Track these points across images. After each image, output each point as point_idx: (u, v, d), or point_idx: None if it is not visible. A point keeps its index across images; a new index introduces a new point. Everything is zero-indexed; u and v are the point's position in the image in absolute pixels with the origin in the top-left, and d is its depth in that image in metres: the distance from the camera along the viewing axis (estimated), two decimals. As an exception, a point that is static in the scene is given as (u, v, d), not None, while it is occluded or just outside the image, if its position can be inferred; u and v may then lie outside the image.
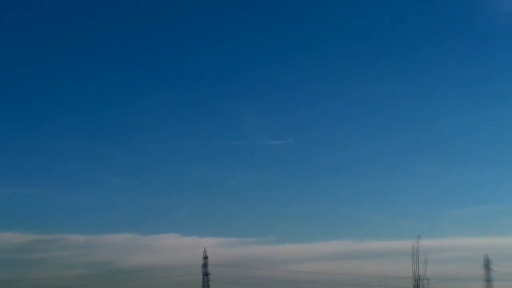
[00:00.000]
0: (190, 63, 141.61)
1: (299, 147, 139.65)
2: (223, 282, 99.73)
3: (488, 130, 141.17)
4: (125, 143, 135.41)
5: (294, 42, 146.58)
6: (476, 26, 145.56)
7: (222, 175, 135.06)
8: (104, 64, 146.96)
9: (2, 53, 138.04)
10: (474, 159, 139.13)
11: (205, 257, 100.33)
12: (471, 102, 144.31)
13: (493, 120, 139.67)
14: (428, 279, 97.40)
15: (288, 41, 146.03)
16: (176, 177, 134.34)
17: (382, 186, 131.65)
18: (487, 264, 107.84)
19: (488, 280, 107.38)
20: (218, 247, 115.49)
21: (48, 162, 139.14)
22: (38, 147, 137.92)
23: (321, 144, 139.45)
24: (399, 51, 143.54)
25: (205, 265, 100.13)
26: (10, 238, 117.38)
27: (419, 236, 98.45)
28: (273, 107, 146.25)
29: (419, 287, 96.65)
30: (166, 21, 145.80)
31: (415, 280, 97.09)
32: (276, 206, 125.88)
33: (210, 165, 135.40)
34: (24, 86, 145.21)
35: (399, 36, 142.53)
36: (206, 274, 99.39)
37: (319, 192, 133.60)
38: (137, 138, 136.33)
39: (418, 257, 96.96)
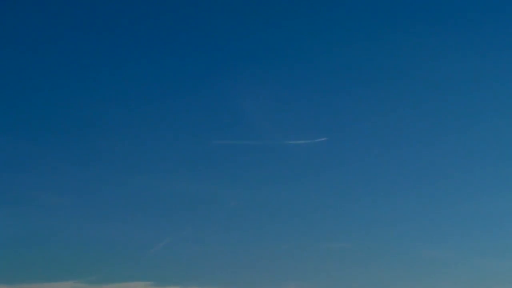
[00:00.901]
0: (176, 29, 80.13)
1: (334, 148, 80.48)
2: None
3: None
4: (71, 143, 57.54)
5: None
6: None
7: (219, 192, 72.04)
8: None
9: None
10: None
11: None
12: None
13: None
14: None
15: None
16: (151, 195, 64.93)
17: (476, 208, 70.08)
18: None
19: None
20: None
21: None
22: None
23: (366, 143, 78.06)
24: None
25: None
26: None
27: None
28: (294, 95, 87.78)
29: None
30: None
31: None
32: (301, 240, 66.53)
33: (201, 177, 71.21)
34: None
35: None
36: None
37: (371, 216, 73.32)
38: (89, 136, 59.20)
39: None
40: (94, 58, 44.40)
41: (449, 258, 34.15)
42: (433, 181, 36.00)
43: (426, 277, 32.47)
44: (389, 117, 41.95)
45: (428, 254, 33.37)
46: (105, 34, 46.05)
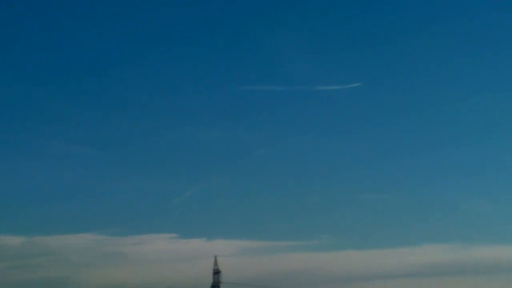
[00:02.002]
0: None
1: (369, 94, 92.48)
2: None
3: None
4: (96, 92, 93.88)
5: None
6: None
7: (247, 141, 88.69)
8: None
9: None
10: None
11: (216, 272, 69.19)
12: None
13: None
14: None
15: None
16: (175, 145, 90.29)
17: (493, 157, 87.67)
18: None
19: None
20: (237, 255, 75.81)
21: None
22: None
23: (401, 89, 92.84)
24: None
25: (216, 286, 68.33)
26: None
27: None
28: (324, 39, 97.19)
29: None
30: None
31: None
32: (330, 191, 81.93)
33: (228, 125, 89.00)
34: None
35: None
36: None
37: (398, 169, 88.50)
38: (113, 85, 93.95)
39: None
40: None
41: (488, 211, 52.34)
42: (473, 137, 67.88)
43: (463, 230, 49.49)
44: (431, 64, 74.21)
45: (466, 207, 51.46)
46: None
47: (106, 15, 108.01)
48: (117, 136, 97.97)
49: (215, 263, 70.57)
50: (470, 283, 70.64)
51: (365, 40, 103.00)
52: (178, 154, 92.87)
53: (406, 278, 74.80)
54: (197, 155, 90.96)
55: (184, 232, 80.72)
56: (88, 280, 75.86)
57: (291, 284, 70.73)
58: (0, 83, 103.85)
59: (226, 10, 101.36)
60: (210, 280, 70.25)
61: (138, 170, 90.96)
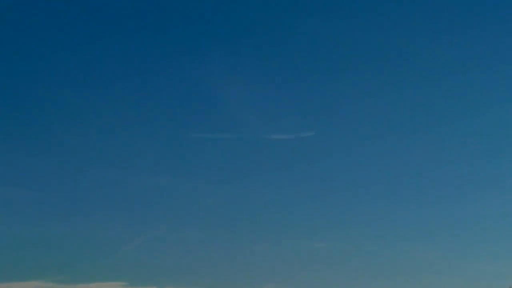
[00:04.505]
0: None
1: (322, 142, 53.50)
2: None
3: None
4: (31, 132, 39.83)
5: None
6: None
7: (197, 188, 47.15)
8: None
9: None
10: None
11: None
12: None
13: None
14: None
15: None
16: (124, 191, 37.59)
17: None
18: None
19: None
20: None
21: None
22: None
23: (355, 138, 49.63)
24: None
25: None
26: None
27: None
28: (276, 82, 56.68)
29: None
30: None
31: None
32: (282, 239, 39.36)
33: (178, 172, 43.46)
34: None
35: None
36: None
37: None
38: (53, 125, 39.25)
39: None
40: (56, 45, 38.46)
41: (435, 258, 33.30)
42: (424, 180, 35.30)
43: (410, 277, 31.80)
44: (378, 107, 38.34)
45: (414, 254, 32.54)
46: (71, 24, 38.85)
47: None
48: (60, 177, 66.08)
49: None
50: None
51: (316, 87, 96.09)
52: (128, 199, 70.90)
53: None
54: (147, 201, 58.80)
55: (134, 280, 59.84)
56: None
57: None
58: None
59: (175, 53, 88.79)
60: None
61: (86, 214, 67.17)
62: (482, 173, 36.03)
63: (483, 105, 37.15)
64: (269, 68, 38.84)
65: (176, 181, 37.99)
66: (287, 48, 38.66)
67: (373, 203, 34.59)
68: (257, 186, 37.37)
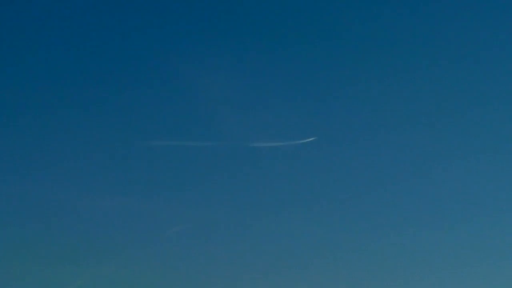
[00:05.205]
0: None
1: (322, 150, 69.06)
2: None
3: None
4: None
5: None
6: None
7: (157, 212, 59.15)
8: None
9: None
10: None
11: None
12: None
13: None
14: None
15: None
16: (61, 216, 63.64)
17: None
18: None
19: None
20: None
21: None
22: None
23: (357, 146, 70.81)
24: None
25: None
26: None
27: None
28: (267, 80, 76.84)
29: None
30: None
31: None
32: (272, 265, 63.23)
33: (128, 190, 54.44)
34: None
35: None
36: None
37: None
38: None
39: None
40: (48, 44, 45.54)
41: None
42: (428, 184, 40.92)
43: (412, 277, 36.36)
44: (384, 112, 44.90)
45: (418, 270, 36.34)
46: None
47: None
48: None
49: None
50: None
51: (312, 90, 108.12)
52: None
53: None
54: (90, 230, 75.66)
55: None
56: None
57: None
58: None
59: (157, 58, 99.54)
60: None
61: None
62: (488, 171, 36.59)
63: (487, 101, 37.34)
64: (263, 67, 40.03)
65: (126, 202, 31.58)
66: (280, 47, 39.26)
67: (372, 206, 34.80)
68: (230, 210, 33.57)
